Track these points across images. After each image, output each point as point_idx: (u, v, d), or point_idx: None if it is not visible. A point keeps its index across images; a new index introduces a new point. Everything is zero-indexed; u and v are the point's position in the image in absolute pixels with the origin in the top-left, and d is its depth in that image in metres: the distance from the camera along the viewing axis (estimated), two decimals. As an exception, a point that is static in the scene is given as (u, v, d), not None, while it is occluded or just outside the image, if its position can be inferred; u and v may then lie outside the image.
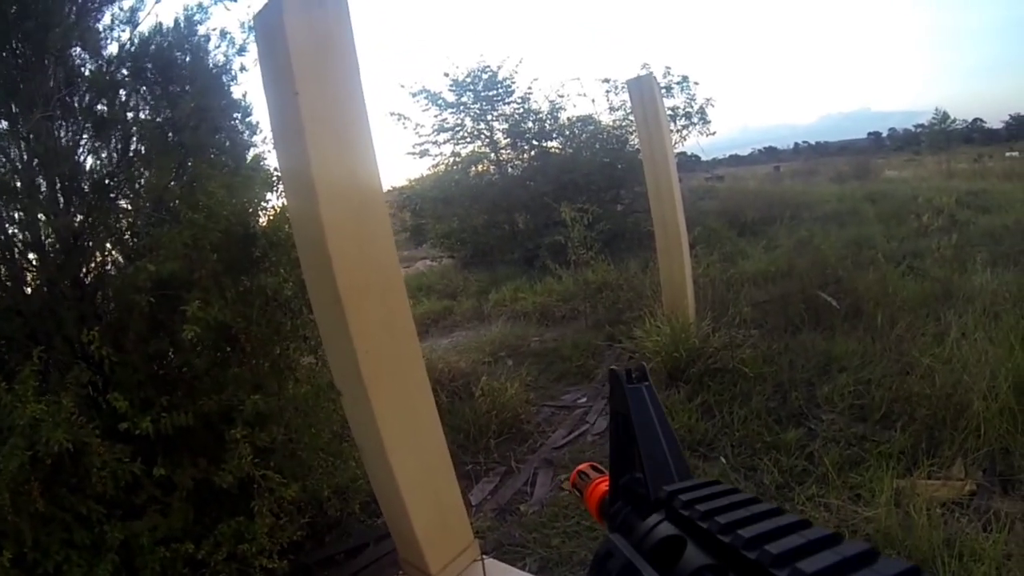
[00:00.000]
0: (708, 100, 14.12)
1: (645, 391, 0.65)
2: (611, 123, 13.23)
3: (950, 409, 4.18)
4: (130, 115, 3.36)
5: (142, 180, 3.27)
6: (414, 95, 13.12)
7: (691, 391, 5.24)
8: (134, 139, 3.34)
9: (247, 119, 3.96)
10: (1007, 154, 21.47)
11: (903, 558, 0.44)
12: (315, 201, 2.48)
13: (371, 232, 2.76)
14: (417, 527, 2.93)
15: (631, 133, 12.65)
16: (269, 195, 3.26)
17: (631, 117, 12.67)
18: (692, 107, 14.02)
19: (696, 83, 13.96)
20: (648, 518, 0.50)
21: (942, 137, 25.13)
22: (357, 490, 3.75)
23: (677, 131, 13.93)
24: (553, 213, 10.91)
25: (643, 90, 6.09)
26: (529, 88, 13.04)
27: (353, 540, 3.80)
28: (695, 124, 14.17)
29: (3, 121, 3.01)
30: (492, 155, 13.54)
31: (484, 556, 3.30)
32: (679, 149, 14.29)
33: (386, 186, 17.58)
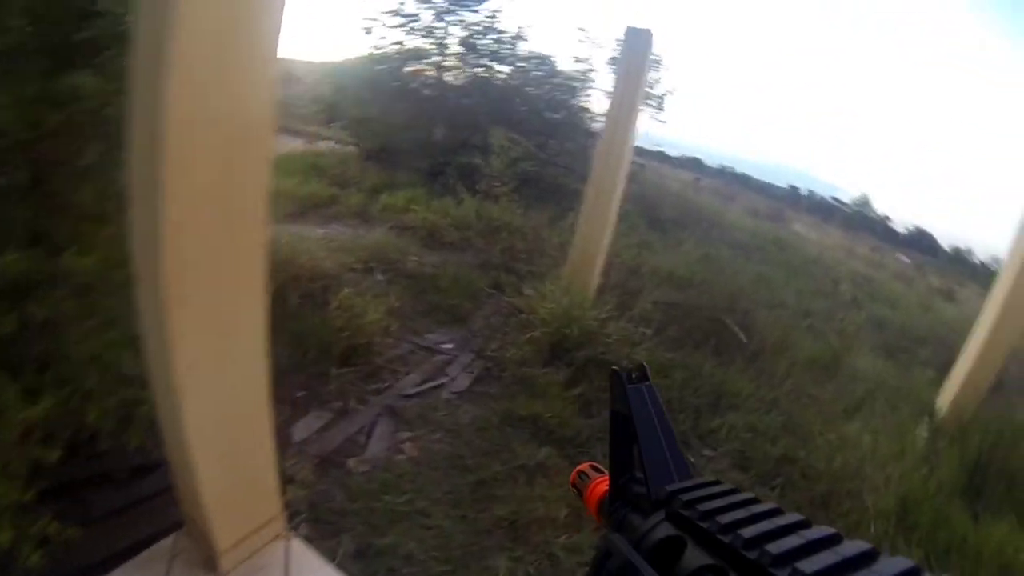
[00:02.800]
0: (671, 90, 13.38)
1: (645, 391, 0.61)
2: (568, 71, 12.29)
3: (839, 491, 3.93)
4: None
5: None
6: (381, -36, 11.61)
7: (572, 376, 4.55)
8: None
9: None
10: (897, 256, 22.65)
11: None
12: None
13: (243, 51, 1.71)
14: (206, 485, 2.04)
15: (584, 89, 12.00)
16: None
17: (591, 74, 12.02)
18: (653, 89, 13.27)
19: (667, 68, 13.22)
20: (648, 518, 0.50)
21: (857, 218, 26.11)
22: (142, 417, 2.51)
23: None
24: (475, 135, 10.14)
25: (638, 43, 5.37)
26: (499, 8, 11.89)
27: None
28: (651, 106, 13.44)
29: None
30: (438, 58, 12.28)
31: (289, 534, 2.48)
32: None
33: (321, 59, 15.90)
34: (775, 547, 0.37)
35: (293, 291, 4.36)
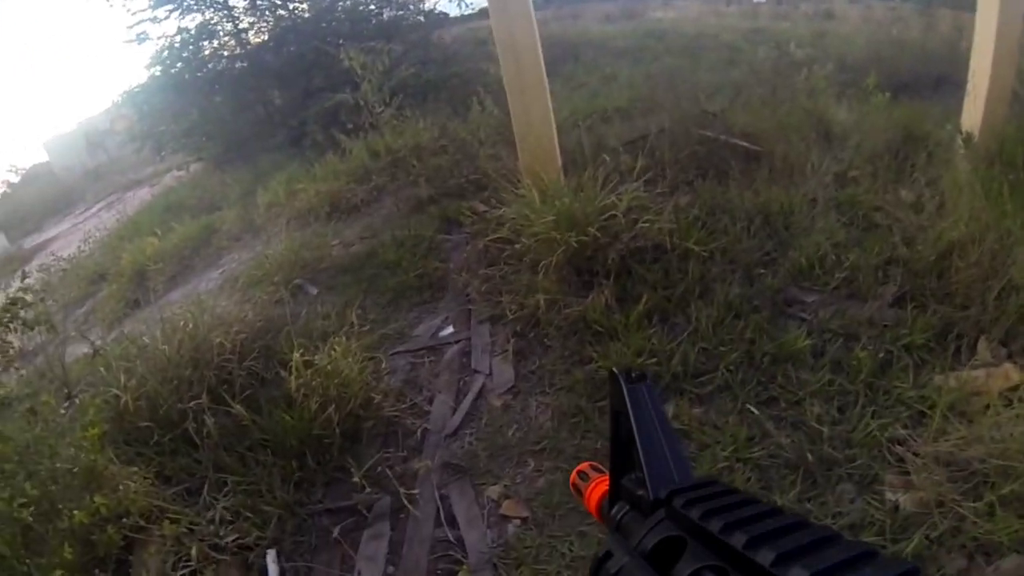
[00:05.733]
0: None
1: (645, 390, 0.57)
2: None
3: (959, 275, 3.01)
4: None
5: None
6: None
7: (621, 290, 3.30)
8: None
9: None
10: (754, 1, 21.18)
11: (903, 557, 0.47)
12: None
13: None
14: None
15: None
16: None
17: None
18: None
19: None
20: (648, 518, 0.48)
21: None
22: None
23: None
24: (316, 77, 8.63)
25: None
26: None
27: None
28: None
29: None
30: (229, 25, 10.21)
31: None
32: (428, 4, 11.46)
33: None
34: (775, 547, 0.35)
35: (228, 392, 2.90)
